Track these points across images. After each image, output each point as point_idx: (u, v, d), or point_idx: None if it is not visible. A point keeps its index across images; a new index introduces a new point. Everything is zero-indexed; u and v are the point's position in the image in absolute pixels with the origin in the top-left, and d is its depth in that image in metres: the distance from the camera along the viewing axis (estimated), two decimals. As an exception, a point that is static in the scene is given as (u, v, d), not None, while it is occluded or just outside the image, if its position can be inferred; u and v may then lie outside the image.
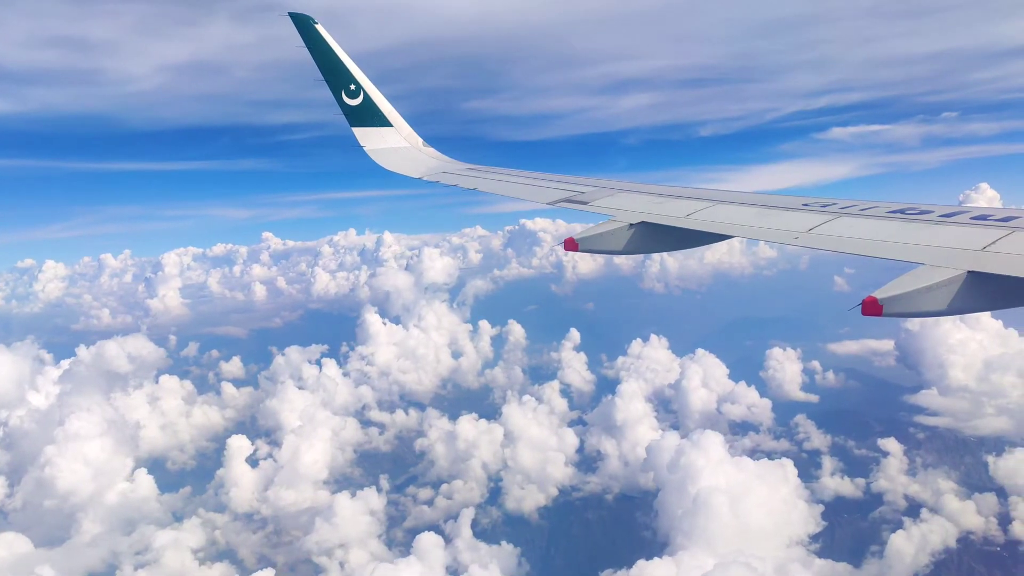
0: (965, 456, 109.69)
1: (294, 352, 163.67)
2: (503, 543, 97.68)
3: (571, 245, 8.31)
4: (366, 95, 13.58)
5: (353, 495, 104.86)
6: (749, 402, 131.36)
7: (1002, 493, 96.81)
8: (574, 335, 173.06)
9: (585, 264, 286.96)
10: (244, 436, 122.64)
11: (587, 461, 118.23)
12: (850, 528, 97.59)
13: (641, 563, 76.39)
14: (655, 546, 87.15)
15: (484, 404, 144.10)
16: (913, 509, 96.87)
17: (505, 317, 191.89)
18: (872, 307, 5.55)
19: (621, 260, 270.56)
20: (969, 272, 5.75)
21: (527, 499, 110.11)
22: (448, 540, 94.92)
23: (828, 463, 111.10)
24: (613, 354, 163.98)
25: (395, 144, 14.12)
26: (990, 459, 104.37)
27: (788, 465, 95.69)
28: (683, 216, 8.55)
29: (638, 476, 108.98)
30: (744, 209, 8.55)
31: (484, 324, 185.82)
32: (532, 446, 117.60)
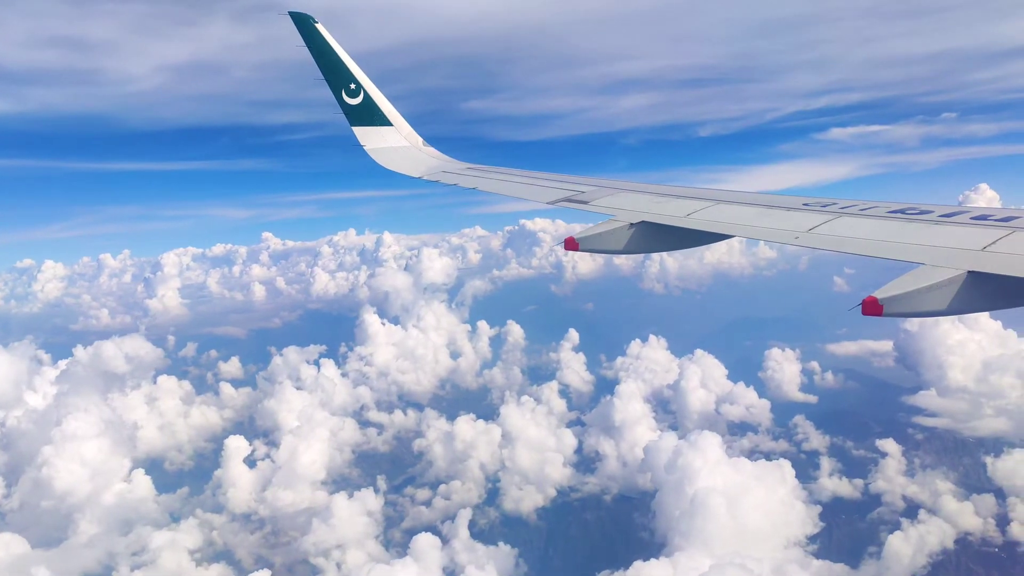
0: (963, 457, 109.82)
1: (292, 352, 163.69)
2: (500, 544, 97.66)
3: (571, 245, 8.31)
4: (366, 94, 13.58)
5: (351, 496, 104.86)
6: (748, 403, 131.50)
7: (1000, 494, 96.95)
8: (573, 335, 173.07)
9: (584, 264, 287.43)
10: (242, 437, 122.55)
11: (585, 462, 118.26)
12: (848, 529, 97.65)
13: (638, 564, 76.41)
14: (653, 547, 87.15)
15: (482, 405, 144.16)
16: (911, 510, 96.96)
17: (504, 317, 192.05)
18: (872, 307, 5.55)
19: (621, 260, 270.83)
20: (969, 272, 5.75)
21: (525, 500, 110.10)
22: (445, 541, 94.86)
23: (826, 464, 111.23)
24: (612, 354, 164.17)
25: (395, 143, 14.11)
26: (988, 460, 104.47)
27: (786, 466, 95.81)
28: (683, 216, 8.56)
29: (636, 477, 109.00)
30: (744, 209, 8.56)
31: (483, 324, 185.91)
32: (530, 447, 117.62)
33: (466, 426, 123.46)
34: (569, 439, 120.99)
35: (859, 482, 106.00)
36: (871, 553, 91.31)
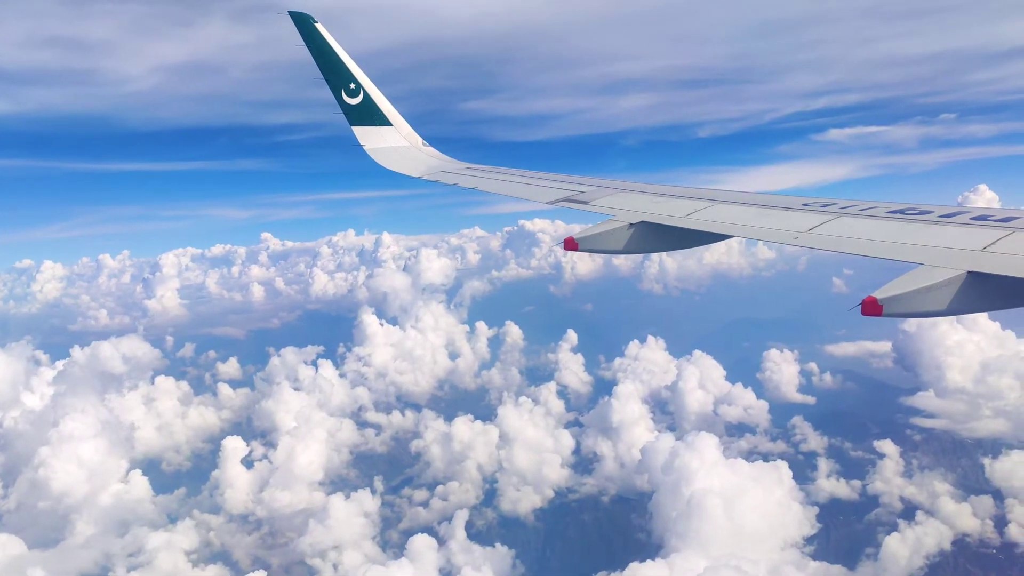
0: (961, 458, 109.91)
1: (290, 353, 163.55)
2: (497, 545, 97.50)
3: (571, 245, 8.29)
4: (366, 94, 13.56)
5: (347, 497, 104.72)
6: (746, 404, 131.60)
7: (998, 495, 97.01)
8: (571, 336, 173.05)
9: (583, 265, 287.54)
10: (240, 437, 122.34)
11: (583, 463, 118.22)
12: (845, 530, 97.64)
13: (634, 566, 76.37)
14: (650, 548, 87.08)
15: (481, 405, 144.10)
16: (909, 511, 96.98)
17: (503, 318, 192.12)
18: (872, 307, 5.54)
19: (620, 261, 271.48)
20: (969, 272, 5.73)
21: (522, 501, 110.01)
22: (442, 542, 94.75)
23: (824, 465, 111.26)
24: (610, 355, 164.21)
25: (395, 143, 14.10)
26: (986, 461, 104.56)
27: (783, 467, 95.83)
28: (683, 216, 8.55)
29: (634, 478, 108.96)
30: (744, 209, 8.56)
31: (481, 325, 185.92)
32: (528, 448, 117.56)
33: (464, 427, 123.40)
34: (567, 440, 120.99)
35: (857, 483, 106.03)
36: (868, 554, 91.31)
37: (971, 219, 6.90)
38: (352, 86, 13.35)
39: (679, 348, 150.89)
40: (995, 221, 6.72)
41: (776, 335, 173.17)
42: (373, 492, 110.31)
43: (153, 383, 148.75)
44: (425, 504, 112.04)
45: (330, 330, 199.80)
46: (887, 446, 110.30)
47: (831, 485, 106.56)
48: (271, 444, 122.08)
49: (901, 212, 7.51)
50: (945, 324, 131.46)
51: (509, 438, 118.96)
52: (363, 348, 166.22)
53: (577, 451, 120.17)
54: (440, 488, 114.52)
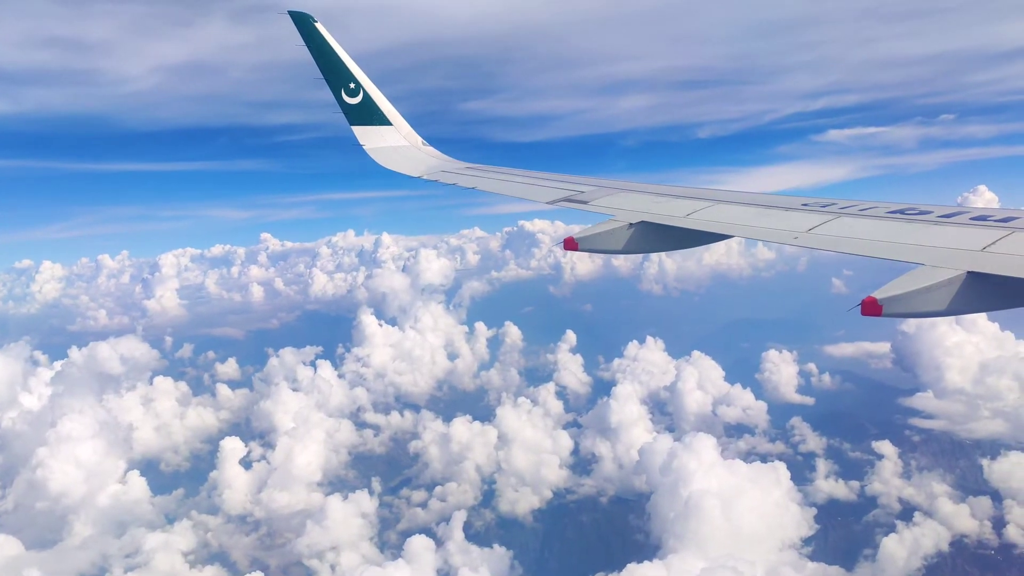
0: (960, 459, 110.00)
1: (289, 354, 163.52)
2: (496, 546, 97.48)
3: (571, 244, 8.28)
4: (366, 94, 13.56)
5: (346, 498, 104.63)
6: (745, 404, 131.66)
7: (997, 496, 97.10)
8: (571, 337, 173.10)
9: (583, 265, 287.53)
10: (238, 438, 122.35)
11: (582, 463, 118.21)
12: (843, 531, 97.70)
13: (632, 566, 76.28)
14: (648, 549, 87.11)
15: (480, 406, 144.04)
16: (907, 512, 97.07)
17: (502, 319, 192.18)
18: (872, 307, 5.54)
19: (619, 261, 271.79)
20: (969, 272, 5.73)
21: (521, 501, 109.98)
22: (440, 543, 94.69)
23: (822, 466, 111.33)
24: (609, 356, 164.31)
25: (394, 143, 14.09)
26: (985, 462, 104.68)
27: (781, 468, 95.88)
28: (683, 216, 8.55)
29: (632, 479, 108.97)
30: (744, 209, 8.56)
31: (480, 326, 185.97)
32: (526, 448, 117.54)
33: (462, 428, 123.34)
34: (565, 441, 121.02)
35: (855, 484, 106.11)
36: (866, 556, 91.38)
37: (971, 219, 6.90)
38: (352, 86, 13.35)
39: (678, 349, 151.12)
40: (995, 221, 6.73)
41: (775, 336, 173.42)
42: (371, 493, 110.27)
43: (151, 384, 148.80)
44: (423, 505, 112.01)
45: (329, 331, 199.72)
46: (886, 447, 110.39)
47: (829, 486, 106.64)
48: (269, 445, 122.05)
49: (901, 212, 7.51)
50: (944, 325, 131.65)
51: (508, 439, 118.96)
52: (362, 349, 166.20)
53: (576, 452, 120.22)
54: (438, 489, 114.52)
